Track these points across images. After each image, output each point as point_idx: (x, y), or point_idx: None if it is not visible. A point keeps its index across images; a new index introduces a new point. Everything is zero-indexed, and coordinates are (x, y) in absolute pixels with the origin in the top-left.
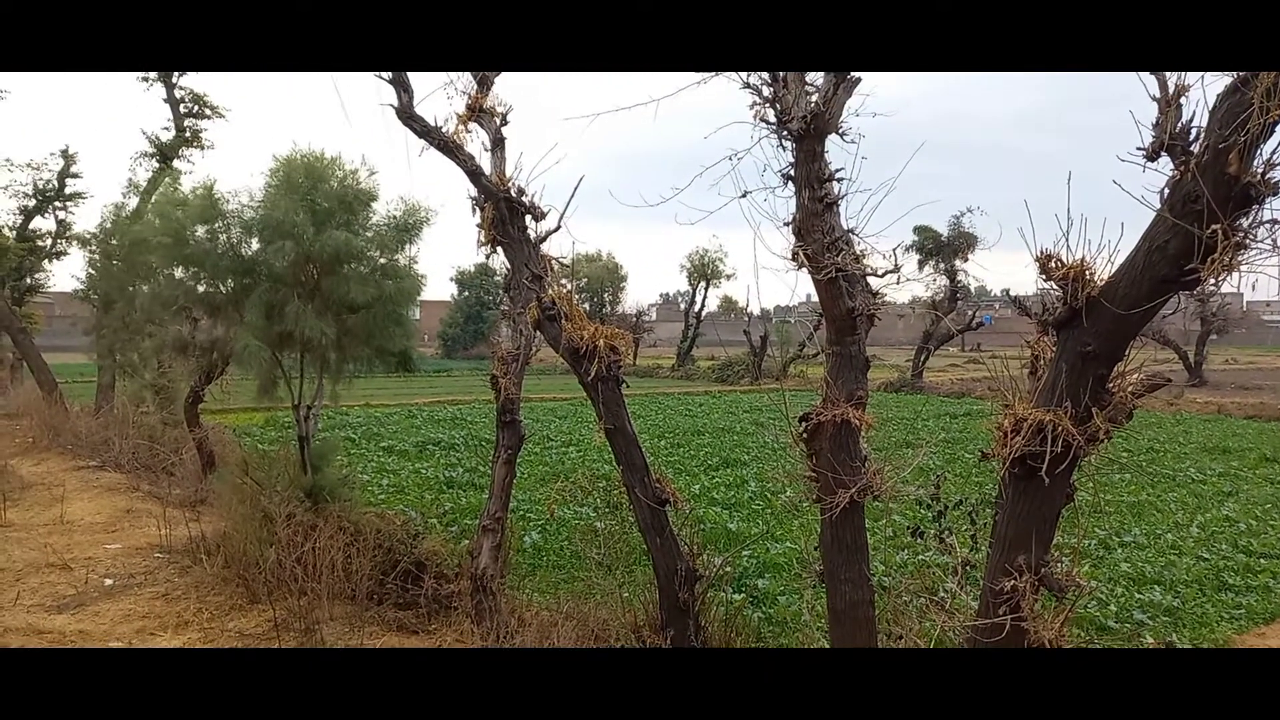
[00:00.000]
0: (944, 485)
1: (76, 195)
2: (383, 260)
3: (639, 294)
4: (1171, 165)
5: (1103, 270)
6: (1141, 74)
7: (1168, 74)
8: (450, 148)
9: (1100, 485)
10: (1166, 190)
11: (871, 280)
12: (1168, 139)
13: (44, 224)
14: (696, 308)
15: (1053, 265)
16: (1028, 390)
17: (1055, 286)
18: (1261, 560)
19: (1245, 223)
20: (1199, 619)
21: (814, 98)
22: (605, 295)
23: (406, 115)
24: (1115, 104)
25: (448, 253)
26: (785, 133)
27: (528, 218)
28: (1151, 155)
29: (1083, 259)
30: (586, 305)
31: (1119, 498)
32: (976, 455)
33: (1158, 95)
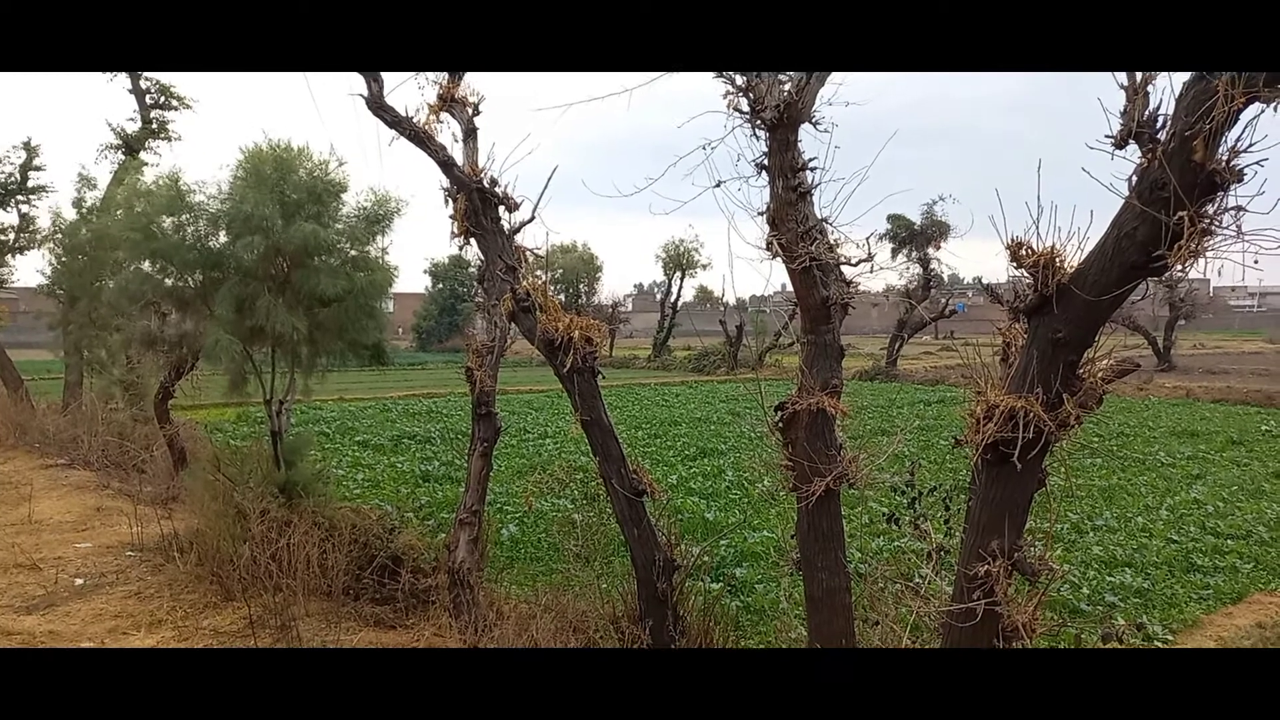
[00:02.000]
0: (919, 472)
1: (40, 188)
2: (353, 252)
3: (614, 284)
4: (1139, 153)
5: (1073, 257)
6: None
7: None
8: (422, 138)
9: (1072, 470)
10: (1134, 178)
11: (845, 269)
12: (1135, 127)
13: (6, 218)
14: (672, 298)
15: (1024, 253)
16: (1000, 377)
17: (1026, 274)
18: (1229, 541)
19: (1211, 209)
20: (1169, 600)
21: (787, 87)
22: (580, 286)
23: (377, 105)
24: (1091, 91)
25: (421, 244)
26: (759, 122)
27: (501, 208)
28: (1120, 143)
29: (1053, 246)
30: (561, 296)
31: (1090, 482)
32: (950, 442)
33: (1125, 84)
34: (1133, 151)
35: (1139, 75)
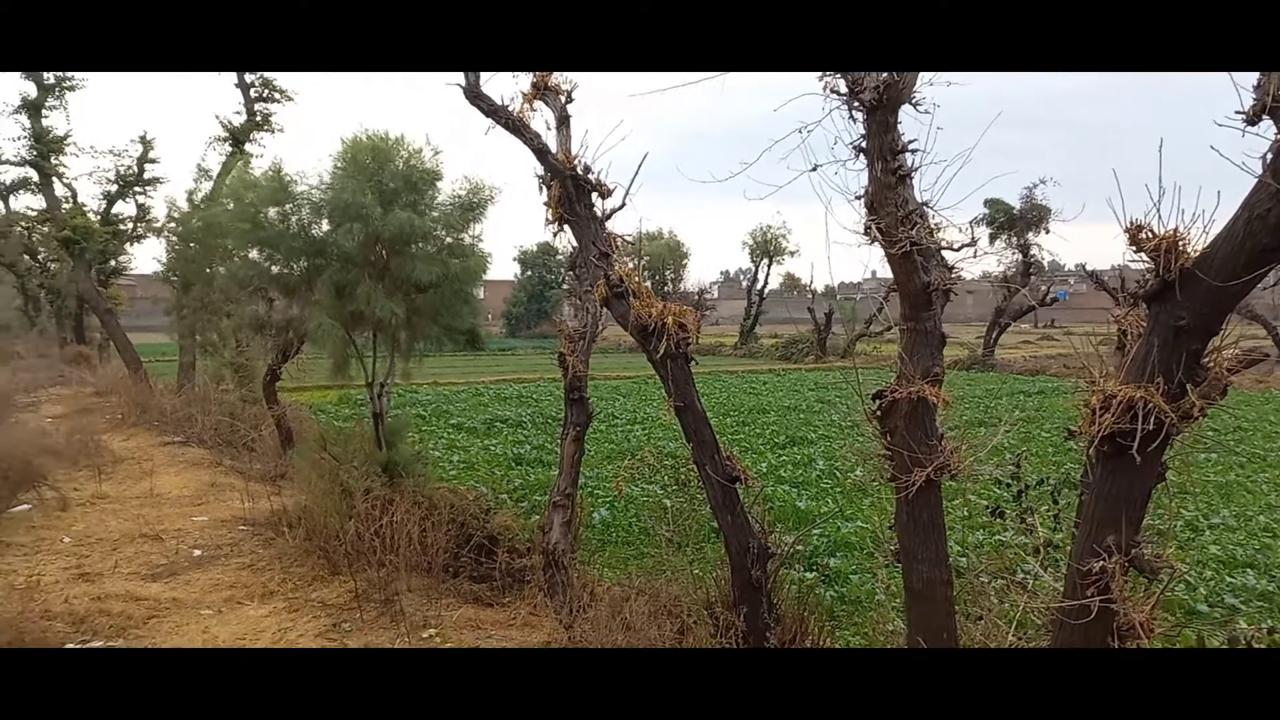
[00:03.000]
0: (1022, 464)
1: (155, 180)
2: (448, 239)
3: (700, 271)
4: (1275, 129)
5: (1197, 241)
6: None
7: None
8: (517, 126)
9: (1186, 465)
10: (1270, 155)
11: (947, 254)
12: (1271, 101)
13: (125, 208)
14: (759, 285)
15: (1144, 236)
16: (1115, 366)
17: (1146, 258)
18: None
19: None
20: None
21: None
22: (667, 273)
23: (474, 95)
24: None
25: (511, 233)
26: (856, 104)
27: (594, 195)
28: (1253, 119)
29: (1175, 229)
30: (648, 283)
31: (1205, 478)
32: (1054, 434)
33: None
34: (1267, 128)
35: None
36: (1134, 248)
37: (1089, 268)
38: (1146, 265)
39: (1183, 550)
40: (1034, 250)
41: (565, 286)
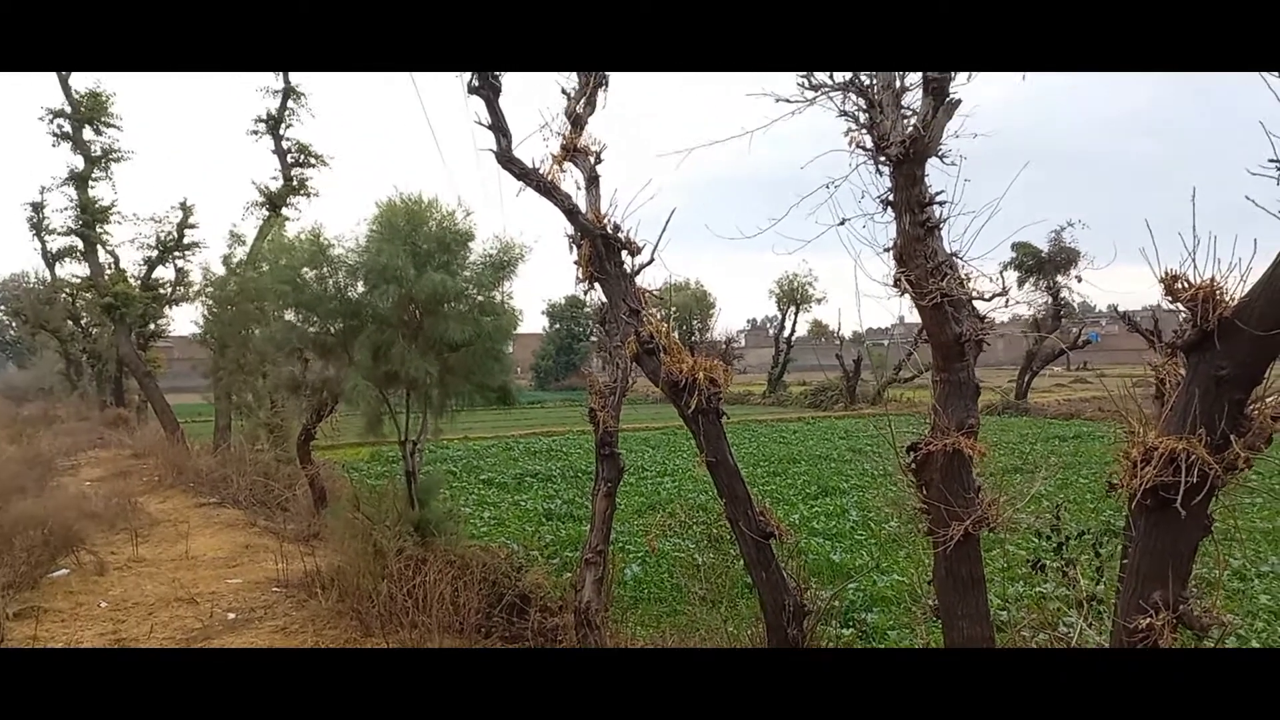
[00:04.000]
0: (1061, 514)
1: (194, 245)
2: (480, 298)
3: (727, 320)
4: None
5: (1235, 290)
6: (1271, 80)
7: None
8: (548, 189)
9: (1230, 511)
10: None
11: (978, 304)
12: None
13: (164, 273)
14: (786, 333)
15: (1179, 286)
16: (1152, 415)
17: (1183, 308)
18: None
19: None
20: None
21: (912, 121)
22: (694, 322)
23: (505, 159)
24: (1224, 101)
25: (539, 285)
26: (883, 158)
27: (623, 252)
28: None
29: (1213, 279)
30: (675, 333)
31: (1251, 524)
32: (1092, 480)
33: None
34: None
35: None
36: (1170, 298)
37: (1120, 309)
38: (1183, 314)
39: (1231, 600)
40: (1064, 292)
41: (594, 340)
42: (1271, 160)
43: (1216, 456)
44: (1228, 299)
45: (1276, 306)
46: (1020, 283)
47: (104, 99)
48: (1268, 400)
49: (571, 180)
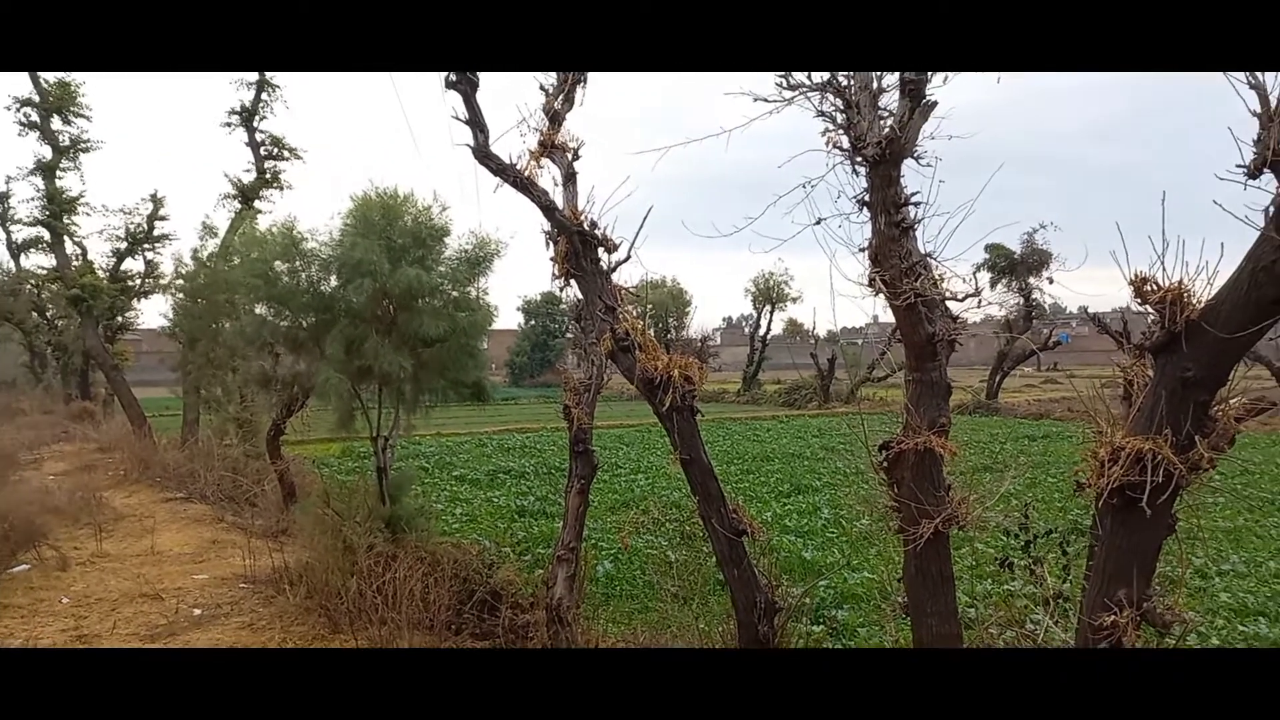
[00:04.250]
0: (1030, 513)
1: (164, 237)
2: (455, 293)
3: (703, 317)
4: (1277, 182)
5: (1202, 293)
6: (1239, 87)
7: (1269, 87)
8: (525, 185)
9: (1193, 510)
10: (1273, 208)
11: (951, 304)
12: (1271, 155)
13: (134, 265)
14: (762, 331)
15: (1148, 289)
16: (1119, 415)
17: (1151, 310)
18: None
19: None
20: None
21: (888, 122)
22: (669, 320)
23: (482, 154)
24: (1191, 107)
25: (513, 281)
26: (859, 159)
27: (600, 249)
28: (1254, 173)
29: (1180, 281)
30: (651, 330)
31: (1214, 523)
32: (1061, 480)
33: (1259, 110)
34: (1268, 181)
35: (1273, 101)
36: (1139, 300)
37: (1090, 310)
38: (1152, 316)
39: (1193, 598)
40: (1036, 294)
41: (569, 336)
42: (1239, 165)
43: (1181, 457)
44: (1195, 301)
45: (1241, 309)
46: (993, 284)
47: (73, 88)
48: (1231, 401)
49: (549, 177)
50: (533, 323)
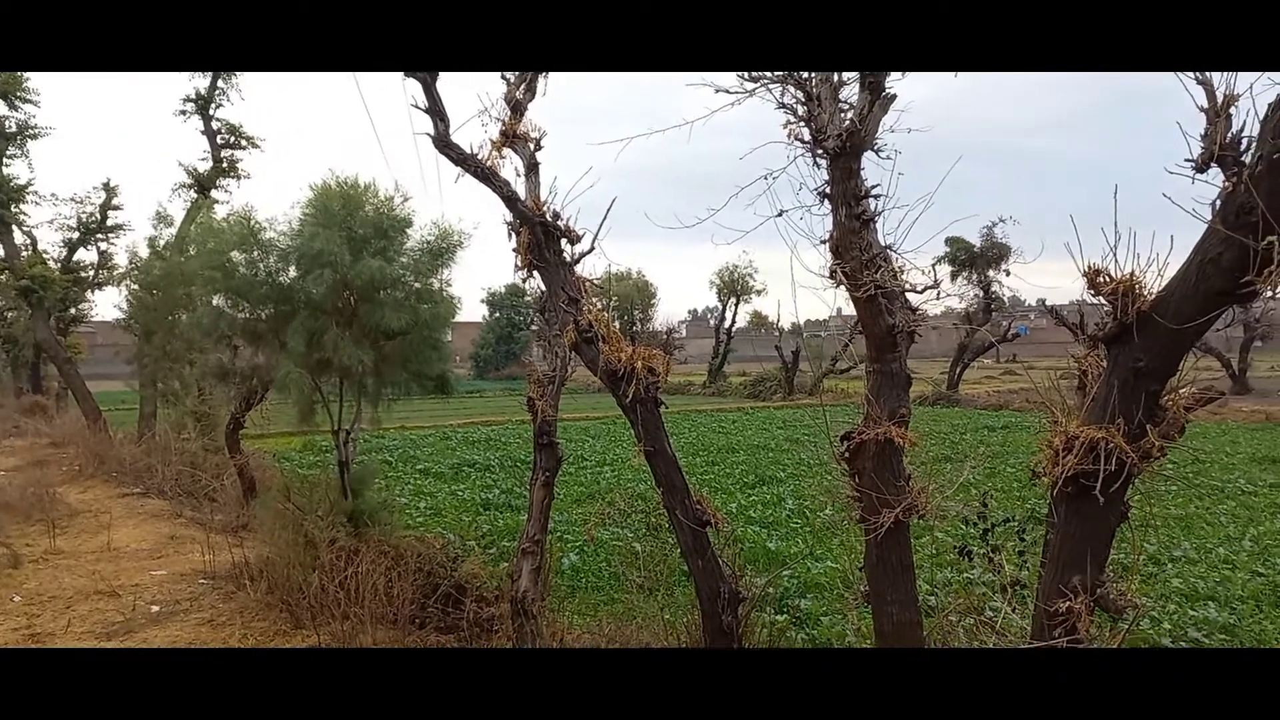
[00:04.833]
0: (988, 502)
1: (118, 227)
2: (417, 285)
3: (669, 310)
4: (1223, 176)
5: (1153, 284)
6: (1187, 83)
7: (1215, 84)
8: (487, 175)
9: (1146, 498)
10: (1219, 202)
11: (911, 296)
12: (1218, 150)
13: (87, 255)
14: (727, 324)
15: (1101, 280)
16: (1074, 406)
17: (1104, 302)
18: None
19: None
20: (1257, 636)
21: (849, 115)
22: (635, 313)
23: (443, 144)
24: (1148, 101)
25: (478, 274)
26: (820, 151)
27: (563, 241)
28: (1201, 167)
29: (1132, 273)
30: (616, 323)
31: (1166, 510)
32: (1019, 469)
33: (1205, 106)
34: (1215, 175)
35: (1220, 97)
36: (1092, 291)
37: (1049, 303)
38: (1105, 307)
39: (1146, 584)
40: (995, 286)
41: (534, 329)
42: (1187, 159)
43: (1134, 445)
44: (1146, 293)
45: (1190, 301)
46: (953, 276)
47: (18, 74)
48: (1181, 391)
49: (511, 167)
50: (497, 315)
